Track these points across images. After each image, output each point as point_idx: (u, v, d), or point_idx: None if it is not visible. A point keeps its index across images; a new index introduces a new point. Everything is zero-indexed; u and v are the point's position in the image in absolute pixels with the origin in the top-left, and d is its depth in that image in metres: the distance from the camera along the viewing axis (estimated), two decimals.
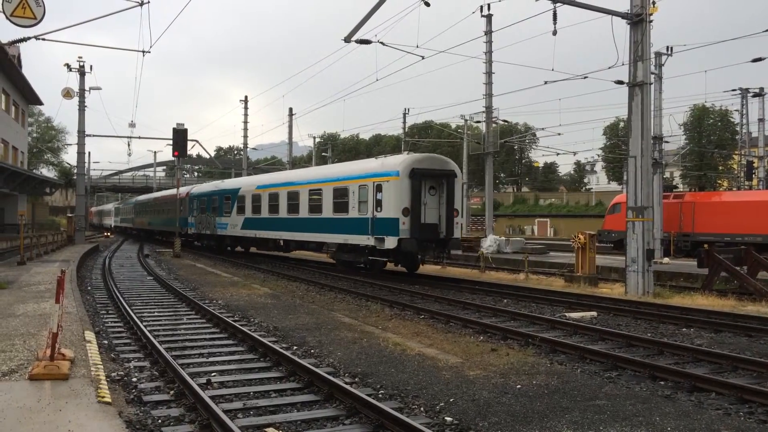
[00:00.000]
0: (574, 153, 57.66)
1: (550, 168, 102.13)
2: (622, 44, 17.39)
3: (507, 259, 27.27)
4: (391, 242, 19.55)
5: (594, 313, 14.04)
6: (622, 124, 78.30)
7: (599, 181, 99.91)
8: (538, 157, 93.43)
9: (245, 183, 32.70)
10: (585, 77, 22.75)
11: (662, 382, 8.39)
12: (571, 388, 7.85)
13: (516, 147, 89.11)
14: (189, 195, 39.54)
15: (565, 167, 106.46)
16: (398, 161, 20.37)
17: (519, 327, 12.43)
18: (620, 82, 18.83)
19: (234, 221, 31.61)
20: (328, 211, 23.09)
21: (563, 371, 8.82)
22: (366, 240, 20.67)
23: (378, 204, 20.22)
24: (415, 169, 19.80)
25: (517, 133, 79.32)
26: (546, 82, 24.97)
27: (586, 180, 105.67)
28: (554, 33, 17.94)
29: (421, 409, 7.10)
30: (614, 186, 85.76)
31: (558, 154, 54.10)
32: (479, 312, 14.47)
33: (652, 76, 22.58)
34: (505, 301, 16.53)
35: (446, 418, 6.74)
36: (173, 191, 41.57)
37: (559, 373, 8.61)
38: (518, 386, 7.88)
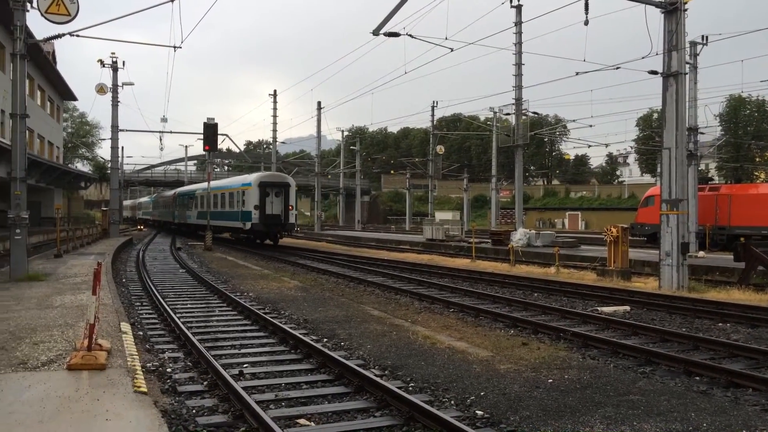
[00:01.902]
0: (606, 145, 56.68)
1: (581, 160, 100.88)
2: (656, 34, 17.07)
3: (537, 253, 27.04)
4: (248, 226, 33.32)
5: (627, 308, 13.85)
6: (655, 115, 76.97)
7: (632, 173, 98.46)
8: (569, 150, 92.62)
9: (199, 188, 46.72)
10: (618, 68, 22.35)
11: (697, 378, 8.26)
12: (603, 383, 7.77)
13: (546, 139, 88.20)
14: (176, 194, 54.30)
15: (597, 159, 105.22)
16: (253, 177, 34.51)
17: (550, 321, 12.33)
18: (654, 73, 18.45)
19: (193, 213, 45.51)
20: (227, 207, 37.18)
21: (596, 366, 8.73)
22: (240, 225, 34.42)
23: (243, 203, 33.97)
24: (262, 181, 33.44)
25: (547, 125, 78.49)
26: (577, 73, 24.55)
27: (618, 172, 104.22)
28: (586, 23, 17.68)
29: (452, 402, 7.09)
30: (647, 178, 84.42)
31: (589, 146, 53.41)
32: (509, 306, 14.38)
33: (687, 65, 22.12)
34: (536, 294, 16.40)
35: (477, 411, 6.72)
36: (171, 192, 58.79)
37: (591, 368, 8.52)
38: (550, 380, 7.82)
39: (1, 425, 5.23)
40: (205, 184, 46.28)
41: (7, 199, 18.51)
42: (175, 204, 53.35)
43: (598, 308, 13.81)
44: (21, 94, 16.09)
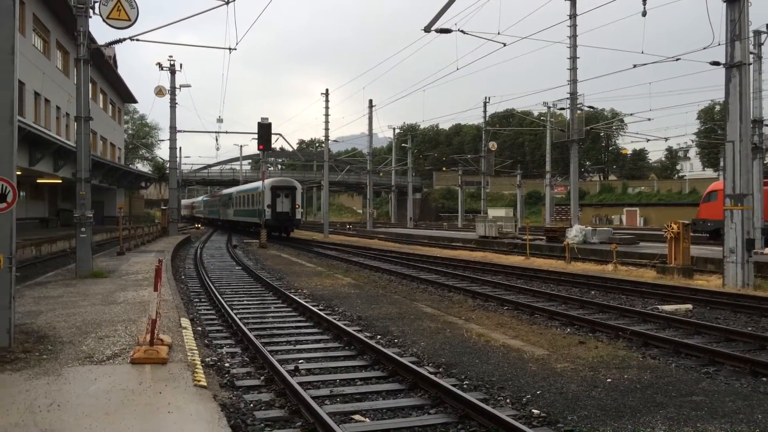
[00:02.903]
0: (666, 139, 55.01)
1: (640, 155, 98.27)
2: (718, 23, 16.48)
3: (594, 250, 26.48)
4: (263, 221, 39.33)
5: (689, 306, 13.43)
6: (717, 108, 74.42)
7: (693, 167, 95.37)
8: (627, 144, 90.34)
9: (234, 190, 56.53)
10: (677, 59, 21.67)
11: (764, 379, 7.94)
12: (665, 383, 7.55)
13: (602, 134, 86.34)
14: (220, 195, 65.22)
15: (656, 154, 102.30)
16: (267, 182, 41.60)
17: (608, 319, 12.06)
18: (716, 64, 17.84)
19: (231, 211, 54.60)
20: (249, 206, 46.10)
21: (656, 365, 8.49)
22: (257, 220, 41.25)
23: (260, 202, 41.52)
24: (274, 185, 41.64)
25: (603, 119, 76.77)
26: (635, 66, 23.96)
27: (678, 167, 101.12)
28: (644, 14, 17.28)
29: (507, 400, 7.01)
30: (709, 173, 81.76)
31: (648, 140, 51.53)
32: (566, 304, 14.13)
33: (751, 56, 21.28)
34: (593, 292, 16.07)
35: (533, 410, 6.63)
36: (218, 193, 70.14)
37: (652, 368, 8.30)
38: (608, 380, 7.65)
39: (69, 417, 5.44)
40: (239, 187, 56.88)
41: (72, 199, 19.25)
42: (220, 203, 63.51)
43: (659, 306, 13.42)
44: (84, 97, 16.68)
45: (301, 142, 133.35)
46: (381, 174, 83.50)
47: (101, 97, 50.99)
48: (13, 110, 7.98)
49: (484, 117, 55.42)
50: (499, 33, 22.03)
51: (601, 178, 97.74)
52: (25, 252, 23.52)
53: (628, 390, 7.25)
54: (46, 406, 5.69)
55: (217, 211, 64.45)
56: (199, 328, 10.96)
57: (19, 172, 17.56)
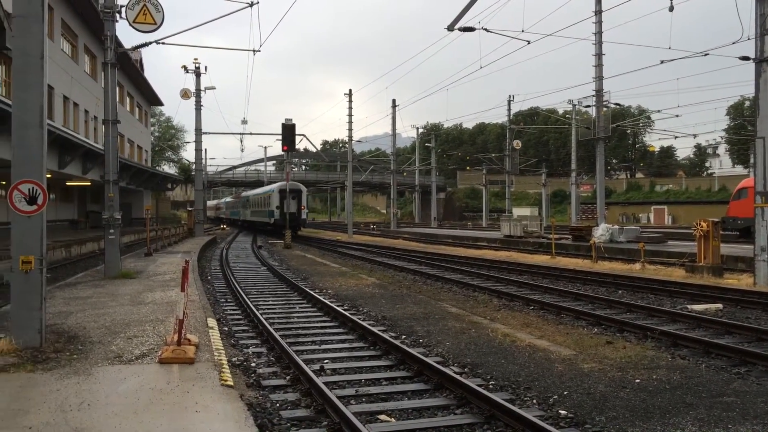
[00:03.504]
0: (694, 135, 53.94)
1: (667, 152, 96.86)
2: (747, 17, 16.19)
3: (621, 249, 26.16)
4: (272, 220, 45.87)
5: (719, 306, 13.19)
6: (747, 103, 73.16)
7: (722, 164, 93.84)
8: (654, 141, 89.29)
9: (250, 193, 62.98)
10: (706, 54, 21.36)
11: None
12: (695, 383, 7.43)
13: (629, 131, 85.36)
14: (240, 198, 70.49)
15: (684, 151, 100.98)
16: (275, 186, 47.26)
17: (636, 319, 11.91)
18: (746, 58, 17.52)
19: (249, 212, 59.62)
20: (261, 207, 51.24)
21: (686, 366, 8.36)
22: (268, 220, 47.52)
23: (269, 204, 46.75)
24: (281, 188, 44.56)
25: (630, 116, 75.90)
26: (662, 62, 23.67)
27: (707, 164, 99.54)
28: (671, 9, 17.02)
29: (534, 401, 6.96)
30: (739, 170, 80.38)
31: (676, 137, 50.88)
32: (592, 303, 13.98)
33: None
34: (620, 292, 15.88)
35: (560, 411, 6.57)
36: (239, 195, 75.60)
37: (681, 368, 8.17)
38: (637, 380, 7.55)
39: (99, 415, 5.52)
40: (255, 191, 62.08)
41: (101, 201, 19.56)
42: (240, 205, 69.52)
43: (688, 306, 13.21)
44: (112, 100, 16.93)
45: (325, 142, 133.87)
46: (405, 174, 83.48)
47: (128, 100, 51.74)
48: (42, 114, 8.13)
49: (508, 115, 55.12)
50: (523, 31, 21.92)
51: (628, 176, 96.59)
52: (56, 253, 23.95)
53: (657, 390, 7.15)
54: (76, 405, 5.78)
55: (238, 212, 69.06)
56: (226, 328, 11.05)
57: (49, 175, 17.88)
